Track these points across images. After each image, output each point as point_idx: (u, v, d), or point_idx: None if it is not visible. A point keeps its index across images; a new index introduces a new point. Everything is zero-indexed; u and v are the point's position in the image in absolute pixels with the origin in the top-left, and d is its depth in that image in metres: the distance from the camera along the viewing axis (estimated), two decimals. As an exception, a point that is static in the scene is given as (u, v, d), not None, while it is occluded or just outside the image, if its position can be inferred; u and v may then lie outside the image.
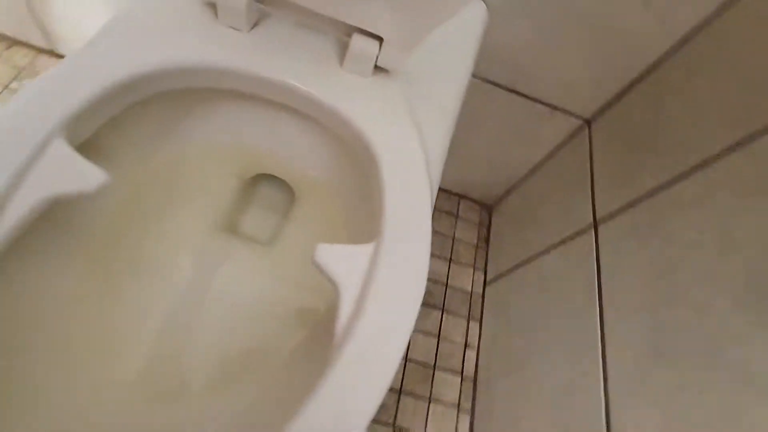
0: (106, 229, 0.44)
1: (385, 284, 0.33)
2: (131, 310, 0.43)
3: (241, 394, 0.40)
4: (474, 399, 0.72)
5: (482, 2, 0.55)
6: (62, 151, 0.32)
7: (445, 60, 0.49)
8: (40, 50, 0.83)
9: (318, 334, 0.44)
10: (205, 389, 0.41)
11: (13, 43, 0.82)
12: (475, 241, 0.88)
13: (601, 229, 0.55)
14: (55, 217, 0.36)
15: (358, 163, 0.43)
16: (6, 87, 0.78)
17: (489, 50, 0.59)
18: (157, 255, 0.47)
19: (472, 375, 0.74)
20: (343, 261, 0.34)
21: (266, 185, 0.57)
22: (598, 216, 0.56)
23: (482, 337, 0.77)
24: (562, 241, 0.62)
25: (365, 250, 0.35)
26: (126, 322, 0.43)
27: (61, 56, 0.83)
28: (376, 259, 0.34)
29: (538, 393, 0.58)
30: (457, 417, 0.70)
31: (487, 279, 0.83)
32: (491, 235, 0.89)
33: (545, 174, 0.75)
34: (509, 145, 0.76)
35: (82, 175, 0.31)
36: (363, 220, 0.48)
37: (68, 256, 0.41)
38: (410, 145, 0.40)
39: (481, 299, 0.82)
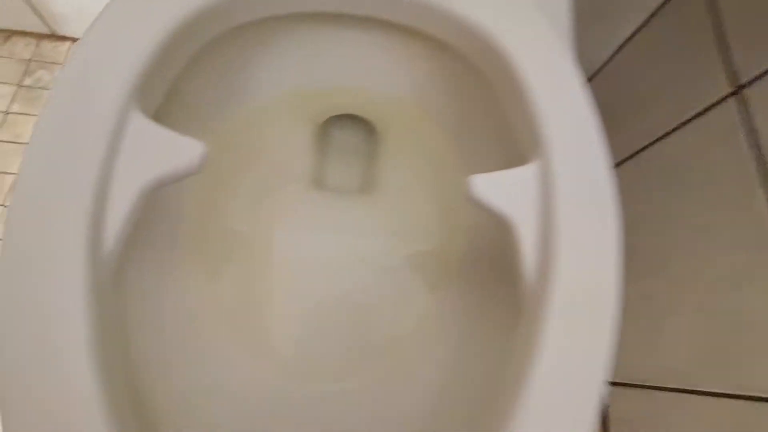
0: (194, 210, 0.39)
1: (571, 211, 0.26)
2: (253, 296, 0.39)
3: (409, 373, 0.36)
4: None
5: None
6: (145, 124, 0.26)
7: None
8: (41, 35, 0.74)
9: (472, 286, 0.38)
10: (373, 363, 0.37)
11: (9, 34, 0.74)
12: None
13: (749, 92, 0.45)
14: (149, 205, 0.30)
15: (468, 71, 0.35)
16: (20, 85, 0.71)
17: None
18: (255, 230, 0.42)
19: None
20: (508, 191, 0.27)
21: (339, 127, 0.50)
22: (741, 79, 0.46)
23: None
24: (686, 121, 0.53)
25: (528, 173, 0.28)
26: (253, 308, 0.39)
27: (65, 38, 0.74)
28: (549, 183, 0.27)
29: (687, 291, 0.52)
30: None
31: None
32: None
33: (639, 49, 0.63)
34: (589, 23, 0.64)
35: (181, 149, 0.25)
36: (477, 142, 0.41)
37: (170, 247, 0.36)
38: (545, 36, 0.31)
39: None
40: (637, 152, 0.61)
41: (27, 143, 0.62)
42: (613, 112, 0.69)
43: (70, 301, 0.22)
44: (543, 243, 0.26)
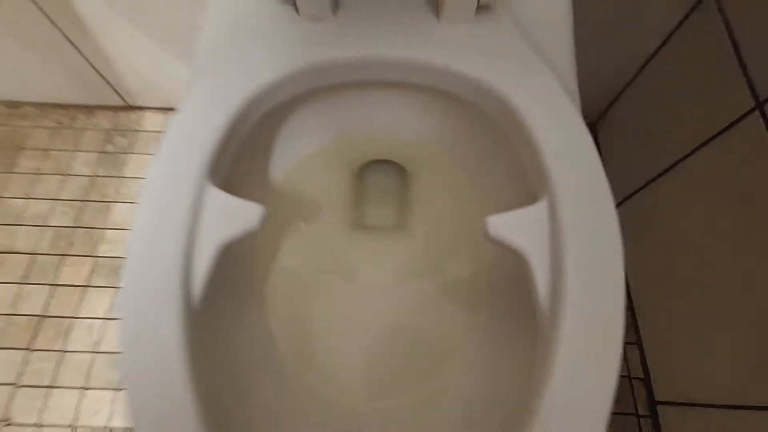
0: (258, 262, 0.45)
1: (578, 244, 0.29)
2: (312, 327, 0.45)
3: (454, 388, 0.40)
4: (637, 330, 0.67)
5: None
6: (217, 195, 0.32)
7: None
8: (118, 107, 0.87)
9: (499, 309, 0.42)
10: (422, 380, 0.42)
11: (92, 109, 0.87)
12: (586, 165, 0.81)
13: (771, 108, 0.46)
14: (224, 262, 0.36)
15: (482, 119, 0.40)
16: (103, 152, 0.83)
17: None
18: (308, 270, 0.47)
19: (628, 305, 0.69)
20: (521, 228, 0.31)
21: (373, 171, 0.56)
22: (761, 95, 0.47)
23: (626, 261, 0.71)
24: (710, 138, 0.54)
25: (539, 211, 0.32)
26: (314, 338, 0.44)
27: (138, 107, 0.87)
28: (557, 218, 0.30)
29: (726, 306, 0.52)
30: (625, 350, 0.66)
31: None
32: (602, 155, 0.81)
33: (660, 70, 0.65)
34: (607, 45, 0.67)
35: (245, 212, 0.31)
36: (493, 181, 0.45)
37: (243, 300, 0.42)
38: (548, 86, 0.35)
39: (612, 225, 0.75)
40: (664, 171, 0.62)
41: (113, 201, 0.72)
42: (637, 131, 0.70)
43: (171, 346, 0.28)
44: (554, 275, 0.29)
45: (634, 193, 0.70)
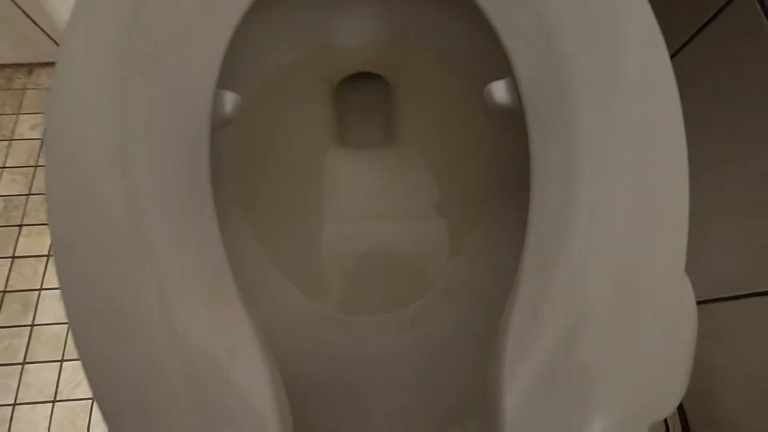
0: (236, 170, 0.40)
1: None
2: (298, 245, 0.41)
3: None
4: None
5: None
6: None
7: None
8: (61, 61, 0.78)
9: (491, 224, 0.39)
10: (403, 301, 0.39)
11: (32, 67, 0.78)
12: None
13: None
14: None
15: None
16: (50, 112, 0.75)
17: None
18: (292, 186, 0.43)
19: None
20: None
21: (350, 85, 0.51)
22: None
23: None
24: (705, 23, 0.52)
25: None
26: (300, 256, 0.40)
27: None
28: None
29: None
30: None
31: None
32: None
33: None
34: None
35: (222, 99, 0.27)
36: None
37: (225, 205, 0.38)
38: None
39: None
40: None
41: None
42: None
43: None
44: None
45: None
